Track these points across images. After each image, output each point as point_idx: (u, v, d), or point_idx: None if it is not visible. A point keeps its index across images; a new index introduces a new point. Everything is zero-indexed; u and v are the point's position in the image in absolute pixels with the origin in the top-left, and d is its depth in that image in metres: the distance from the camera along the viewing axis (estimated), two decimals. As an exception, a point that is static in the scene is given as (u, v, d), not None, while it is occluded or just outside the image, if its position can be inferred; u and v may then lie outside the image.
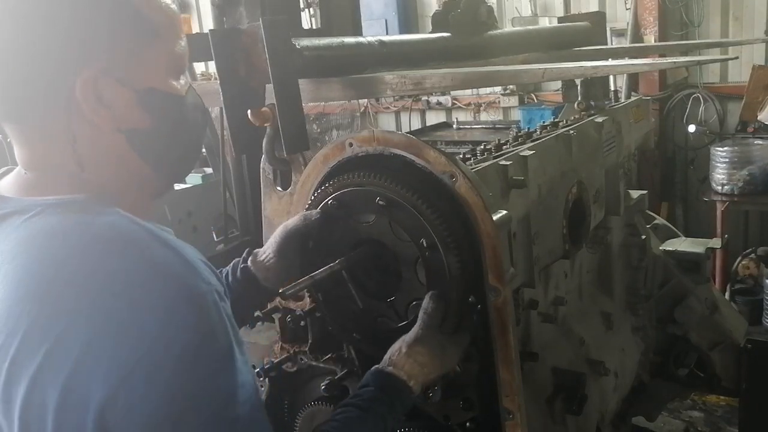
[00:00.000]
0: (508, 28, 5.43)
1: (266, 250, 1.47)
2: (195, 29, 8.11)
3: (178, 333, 0.92)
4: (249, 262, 1.48)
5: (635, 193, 2.51)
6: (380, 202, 1.31)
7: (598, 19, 2.70)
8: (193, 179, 5.97)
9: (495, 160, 1.56)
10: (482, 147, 1.74)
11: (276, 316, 1.67)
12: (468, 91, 7.21)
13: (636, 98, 2.84)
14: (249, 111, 1.44)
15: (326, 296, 1.48)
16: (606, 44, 2.99)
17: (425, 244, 1.29)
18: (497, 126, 6.90)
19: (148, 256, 0.96)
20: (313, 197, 1.44)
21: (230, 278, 1.47)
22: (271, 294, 1.51)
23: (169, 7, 1.12)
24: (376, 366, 1.27)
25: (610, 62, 2.25)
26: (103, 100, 1.03)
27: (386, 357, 1.28)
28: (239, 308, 1.38)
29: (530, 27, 4.91)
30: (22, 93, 1.02)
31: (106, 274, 0.93)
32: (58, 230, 0.98)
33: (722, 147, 5.45)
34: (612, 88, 2.69)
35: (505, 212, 1.31)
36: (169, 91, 1.11)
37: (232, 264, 1.51)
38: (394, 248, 1.36)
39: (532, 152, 1.65)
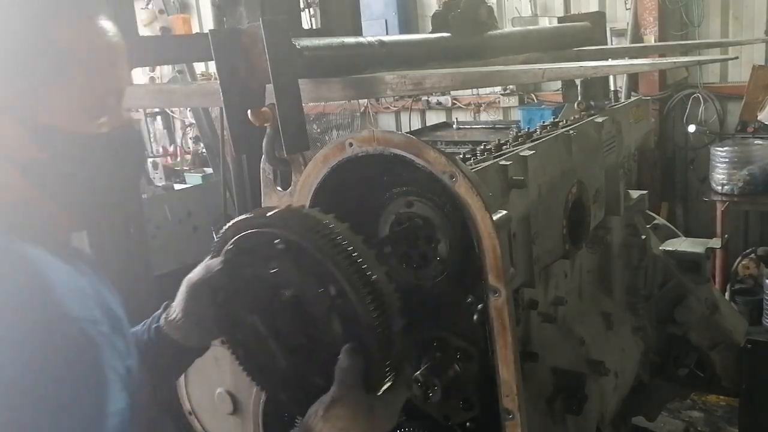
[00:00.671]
0: (508, 28, 5.43)
1: (175, 308, 1.35)
2: (195, 29, 8.11)
3: (18, 364, 0.92)
4: (162, 321, 1.36)
5: (635, 193, 2.51)
6: (279, 246, 1.17)
7: (598, 19, 2.70)
8: (193, 179, 5.97)
9: (495, 160, 1.56)
10: (482, 147, 1.74)
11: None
12: (468, 91, 7.21)
13: (636, 98, 2.84)
14: (249, 111, 1.43)
15: (247, 352, 1.32)
16: (606, 44, 2.99)
17: (333, 292, 1.13)
18: (497, 126, 6.90)
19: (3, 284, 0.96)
20: (216, 242, 1.31)
21: (145, 336, 1.37)
22: (202, 352, 1.39)
23: (100, 41, 1.08)
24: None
25: (610, 62, 2.25)
26: None
27: (303, 420, 1.16)
28: (158, 372, 1.34)
29: (530, 27, 4.91)
30: None
31: None
32: None
33: (722, 147, 5.45)
34: (612, 88, 2.70)
35: (505, 212, 1.31)
36: (73, 130, 1.07)
37: (148, 320, 1.40)
38: (306, 297, 1.18)
39: (532, 152, 1.65)
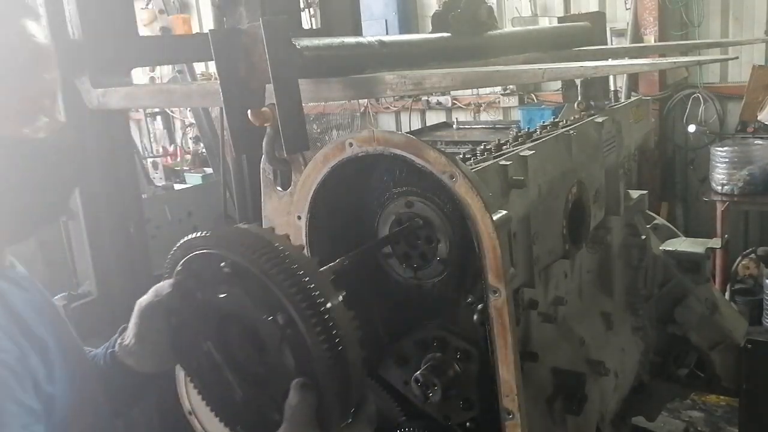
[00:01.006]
0: (508, 28, 5.43)
1: (128, 333, 1.31)
2: (195, 29, 8.12)
3: None
4: (116, 346, 1.32)
5: (635, 193, 2.51)
6: (225, 270, 1.09)
7: (598, 19, 2.69)
8: (193, 179, 5.97)
9: (495, 160, 1.56)
10: (482, 147, 1.74)
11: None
12: (468, 91, 7.22)
13: (636, 98, 2.84)
14: (249, 111, 1.43)
15: (204, 383, 1.24)
16: (606, 44, 2.99)
17: (282, 321, 1.04)
18: (497, 126, 6.91)
19: None
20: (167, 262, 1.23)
21: (101, 361, 1.34)
22: (159, 379, 1.33)
23: (28, 43, 1.07)
24: None
25: (610, 62, 2.25)
26: None
27: None
28: (119, 399, 1.32)
29: (530, 27, 4.91)
30: None
31: None
32: None
33: (722, 147, 5.45)
34: (612, 88, 2.70)
35: (505, 212, 1.31)
36: (8, 134, 1.06)
37: (108, 343, 1.36)
38: (257, 325, 1.09)
39: (532, 152, 1.65)
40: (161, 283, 1.24)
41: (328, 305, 1.04)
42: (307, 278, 1.04)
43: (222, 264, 1.08)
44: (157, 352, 1.28)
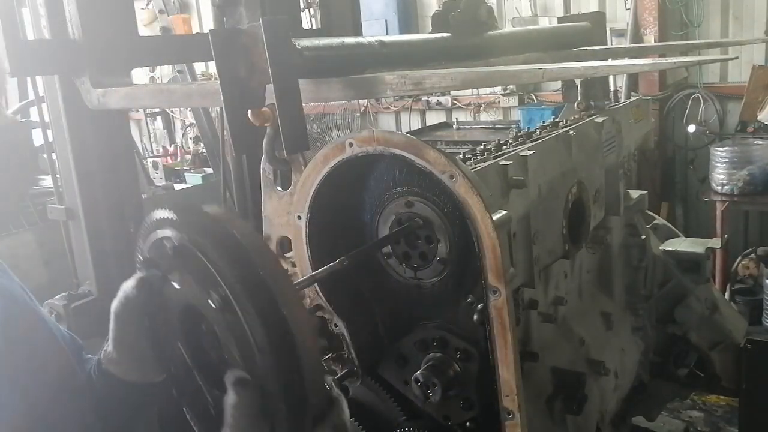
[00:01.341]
0: (508, 28, 5.43)
1: (108, 342, 1.21)
2: (195, 29, 8.12)
3: None
4: (102, 354, 1.23)
5: (635, 193, 2.51)
6: (169, 251, 0.99)
7: (598, 19, 2.69)
8: (193, 179, 5.97)
9: (495, 160, 1.56)
10: (482, 147, 1.74)
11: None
12: (468, 91, 7.21)
13: (636, 98, 2.84)
14: (249, 111, 1.43)
15: (181, 392, 1.13)
16: (606, 44, 2.99)
17: (216, 304, 0.90)
18: (497, 126, 6.92)
19: None
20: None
21: (93, 373, 1.26)
22: (155, 389, 1.20)
23: None
24: None
25: (610, 62, 2.25)
26: None
27: None
28: (110, 414, 1.21)
29: (530, 27, 4.91)
30: None
31: None
32: None
33: (722, 147, 5.46)
34: (612, 88, 2.70)
35: (505, 212, 1.31)
36: None
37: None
38: (204, 314, 0.96)
39: (532, 152, 1.65)
40: (127, 281, 1.14)
41: (267, 279, 0.88)
42: (246, 250, 0.89)
43: (167, 245, 0.97)
44: (136, 357, 1.18)
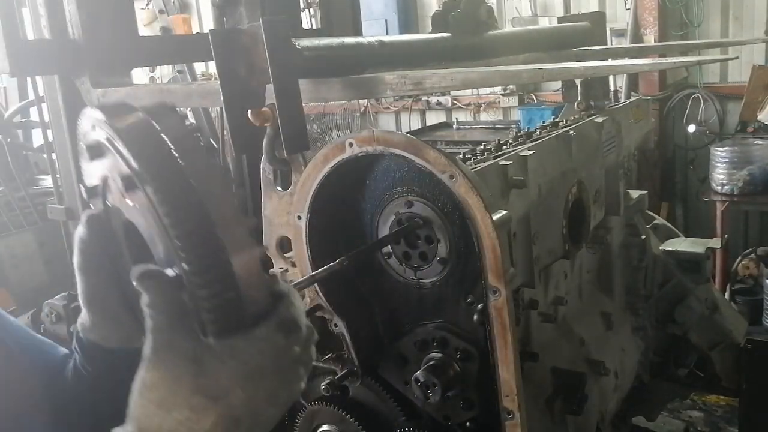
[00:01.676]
0: (508, 28, 5.43)
1: (82, 307, 1.09)
2: (195, 29, 8.12)
3: None
4: (79, 326, 1.11)
5: (635, 193, 2.51)
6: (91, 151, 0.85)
7: (598, 19, 2.70)
8: (193, 179, 5.95)
9: (495, 160, 1.56)
10: (482, 147, 1.74)
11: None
12: (468, 91, 7.22)
13: (636, 98, 2.84)
14: (249, 111, 1.43)
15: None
16: (606, 44, 2.99)
17: (133, 201, 0.79)
18: (497, 126, 6.93)
19: None
20: None
21: (77, 358, 1.15)
22: (136, 355, 0.84)
23: None
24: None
25: (610, 62, 2.25)
26: None
27: None
28: (103, 398, 1.04)
29: (530, 27, 4.91)
30: None
31: None
32: None
33: (722, 147, 5.46)
34: (612, 88, 2.70)
35: (505, 212, 1.31)
36: None
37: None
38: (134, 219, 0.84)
39: (532, 152, 1.65)
40: (77, 229, 1.03)
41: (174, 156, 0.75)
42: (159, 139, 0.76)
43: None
44: (112, 316, 1.06)
